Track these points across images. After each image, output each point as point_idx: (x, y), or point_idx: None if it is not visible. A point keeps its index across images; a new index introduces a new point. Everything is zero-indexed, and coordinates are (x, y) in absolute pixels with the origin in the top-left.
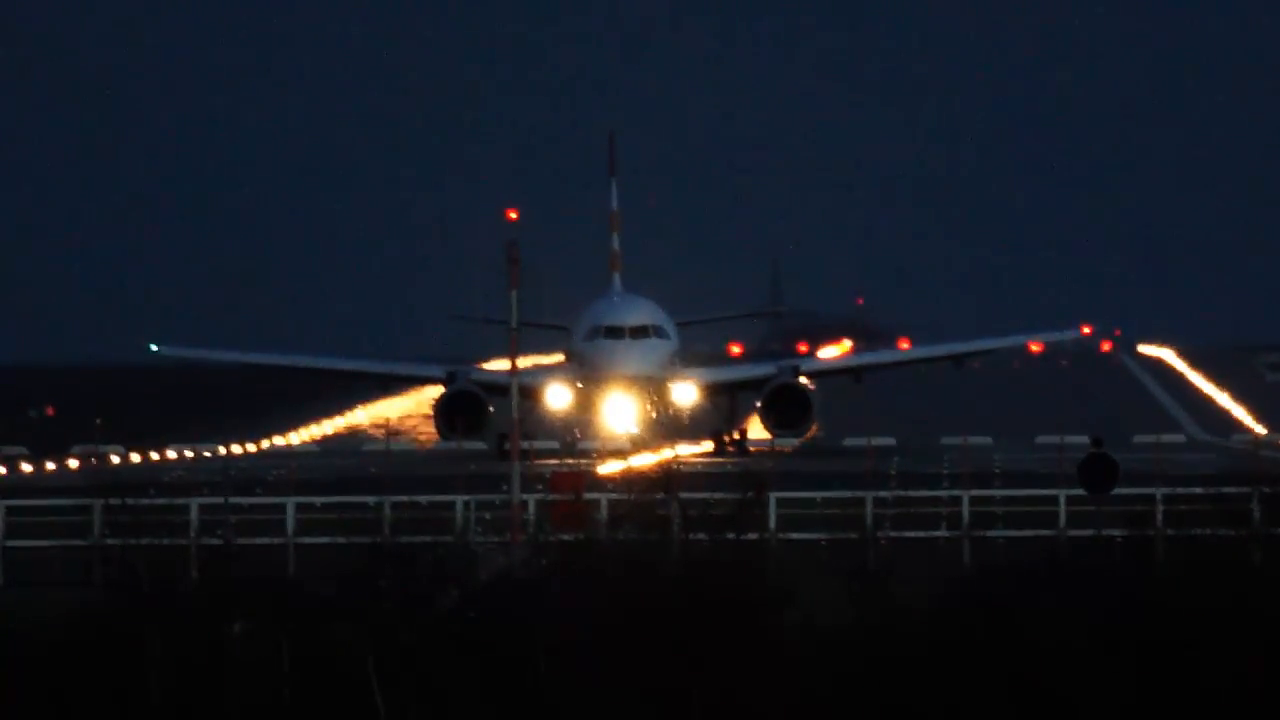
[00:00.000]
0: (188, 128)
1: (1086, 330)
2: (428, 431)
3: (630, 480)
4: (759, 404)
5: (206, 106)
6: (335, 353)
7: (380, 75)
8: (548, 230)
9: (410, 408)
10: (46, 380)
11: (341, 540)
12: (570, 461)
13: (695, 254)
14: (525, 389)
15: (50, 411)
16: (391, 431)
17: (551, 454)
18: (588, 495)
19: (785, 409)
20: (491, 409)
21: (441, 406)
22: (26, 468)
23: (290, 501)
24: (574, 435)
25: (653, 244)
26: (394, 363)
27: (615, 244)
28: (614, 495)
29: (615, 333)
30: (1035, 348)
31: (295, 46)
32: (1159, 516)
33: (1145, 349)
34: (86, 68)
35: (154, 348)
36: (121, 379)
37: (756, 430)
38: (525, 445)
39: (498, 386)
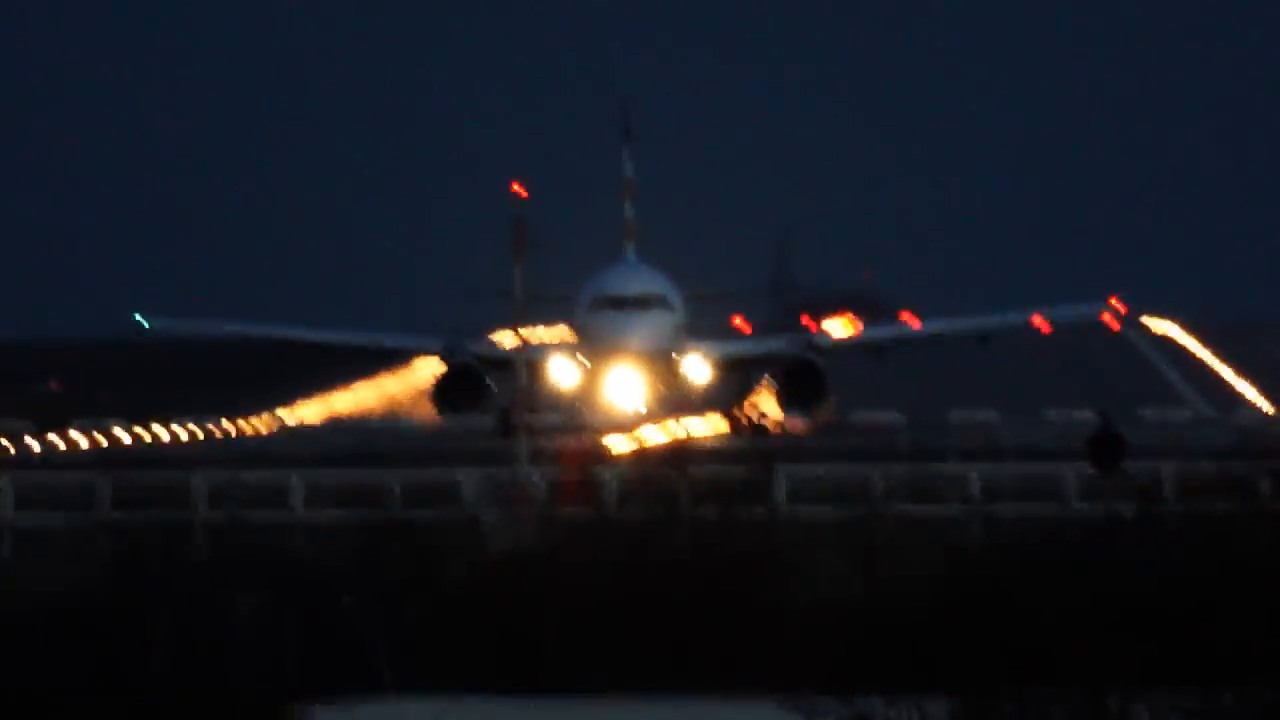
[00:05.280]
0: (182, 99)
1: (1114, 302)
2: (430, 407)
3: (640, 456)
4: (775, 380)
5: (200, 75)
6: (333, 325)
7: (386, 41)
8: (560, 198)
9: (412, 382)
10: (49, 355)
11: (345, 514)
12: (575, 439)
13: (708, 226)
14: (528, 364)
15: (55, 386)
16: (395, 407)
17: (553, 430)
18: (595, 472)
19: (802, 387)
20: (492, 385)
21: (439, 383)
22: (32, 443)
23: (296, 476)
24: (576, 412)
25: (669, 214)
26: (389, 335)
27: (629, 212)
28: (623, 471)
29: (617, 303)
30: (1043, 328)
31: (295, 11)
32: (1166, 490)
33: (1152, 323)
34: (79, 36)
35: (139, 320)
36: (124, 353)
37: (766, 406)
38: (528, 422)
39: (498, 361)
